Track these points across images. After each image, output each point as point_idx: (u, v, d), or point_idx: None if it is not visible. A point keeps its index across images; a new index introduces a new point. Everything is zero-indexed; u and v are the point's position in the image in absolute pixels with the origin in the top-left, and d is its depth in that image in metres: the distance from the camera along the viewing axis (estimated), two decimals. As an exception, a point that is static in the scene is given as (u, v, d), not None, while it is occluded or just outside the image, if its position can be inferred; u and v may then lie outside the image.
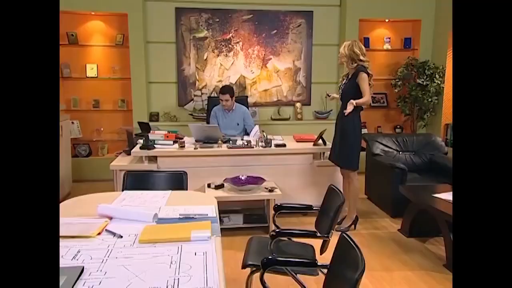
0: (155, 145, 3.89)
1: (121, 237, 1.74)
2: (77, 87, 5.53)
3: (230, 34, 5.72)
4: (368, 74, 3.57)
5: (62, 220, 1.91)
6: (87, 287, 1.32)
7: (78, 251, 1.59)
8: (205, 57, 5.71)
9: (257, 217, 3.94)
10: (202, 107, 5.72)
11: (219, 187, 3.76)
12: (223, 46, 5.73)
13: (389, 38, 6.12)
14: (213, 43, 5.70)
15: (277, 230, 2.10)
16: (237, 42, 5.76)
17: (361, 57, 3.61)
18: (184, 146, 3.89)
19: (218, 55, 5.74)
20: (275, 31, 5.81)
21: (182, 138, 4.18)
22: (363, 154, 4.98)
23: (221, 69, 5.78)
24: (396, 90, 5.90)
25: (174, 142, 4.05)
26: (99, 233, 1.77)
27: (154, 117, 5.63)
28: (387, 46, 6.12)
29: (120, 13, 5.35)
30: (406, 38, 6.10)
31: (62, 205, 2.21)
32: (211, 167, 3.96)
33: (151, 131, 4.27)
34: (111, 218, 1.95)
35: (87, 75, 5.51)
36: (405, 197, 3.81)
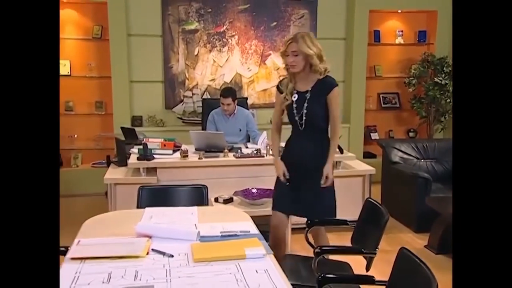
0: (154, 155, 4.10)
1: (172, 256, 1.97)
2: (46, 87, 5.65)
3: (224, 27, 5.98)
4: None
5: (97, 240, 2.12)
6: (167, 306, 1.56)
7: (137, 271, 1.82)
8: (196, 53, 5.95)
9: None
10: (193, 109, 5.95)
11: (228, 201, 4.00)
12: (216, 40, 5.98)
13: (402, 31, 6.52)
14: (205, 36, 5.94)
15: (322, 247, 2.38)
16: (232, 36, 6.02)
17: (325, 58, 2.97)
18: (187, 156, 4.12)
19: (210, 51, 5.98)
20: (274, 23, 6.10)
21: (180, 147, 4.40)
22: (378, 161, 5.35)
23: (214, 66, 6.03)
24: (410, 90, 6.28)
25: (174, 151, 4.26)
26: (147, 253, 1.99)
27: (136, 121, 5.82)
28: (399, 40, 6.51)
29: (97, 2, 5.53)
30: (420, 31, 6.51)
31: (83, 226, 2.41)
32: (217, 178, 4.19)
33: (144, 139, 4.46)
34: (150, 237, 2.17)
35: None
36: (431, 210, 4.15)
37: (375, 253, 2.40)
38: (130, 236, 2.19)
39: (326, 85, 2.94)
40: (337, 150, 4.51)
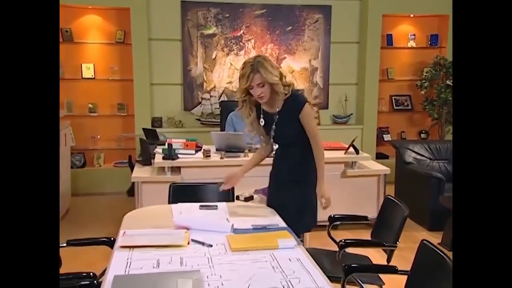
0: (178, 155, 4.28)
1: (211, 246, 2.15)
2: (70, 89, 5.87)
3: (241, 31, 6.17)
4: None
5: (141, 231, 2.31)
6: (213, 287, 1.73)
7: (181, 258, 2.00)
8: (213, 56, 6.14)
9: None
10: (211, 111, 6.14)
11: (248, 199, 4.18)
12: (233, 44, 6.17)
13: (414, 34, 6.67)
14: (223, 40, 6.13)
15: (346, 240, 2.54)
16: (249, 40, 6.20)
17: (285, 75, 2.80)
18: (210, 156, 4.30)
19: (228, 54, 6.17)
20: (290, 27, 6.28)
21: (201, 147, 4.58)
22: (391, 162, 5.50)
23: (231, 69, 6.22)
24: (422, 92, 6.43)
25: (196, 151, 4.45)
26: (188, 243, 2.18)
27: (156, 122, 6.02)
28: (411, 43, 6.67)
29: (120, 8, 5.74)
30: (432, 35, 6.66)
31: (124, 219, 2.60)
32: (238, 178, 4.36)
33: (167, 139, 4.65)
34: (188, 229, 2.35)
35: (83, 76, 5.87)
36: (443, 209, 4.29)
37: (396, 246, 2.56)
38: (169, 228, 2.37)
39: (294, 104, 2.72)
40: (353, 151, 4.69)
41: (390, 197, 2.85)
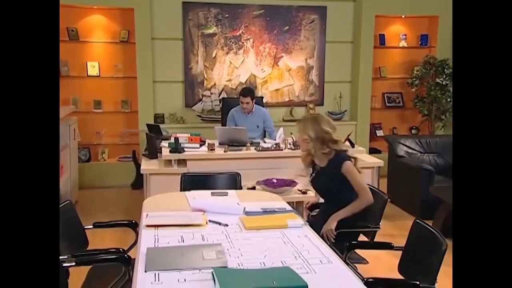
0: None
1: (227, 225, 2.39)
2: (76, 86, 6.07)
3: (240, 31, 6.40)
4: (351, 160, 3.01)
5: (164, 213, 2.55)
6: (234, 257, 1.98)
7: (202, 235, 2.24)
8: (213, 55, 6.37)
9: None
10: (211, 108, 6.37)
11: (250, 190, 4.42)
12: (232, 43, 6.40)
13: (405, 35, 6.95)
14: (222, 40, 6.36)
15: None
16: (248, 39, 6.44)
17: (334, 136, 3.02)
18: (214, 149, 4.54)
19: (227, 53, 6.41)
20: (287, 27, 6.53)
21: (204, 141, 4.82)
22: (383, 156, 5.77)
23: (231, 67, 6.45)
24: (413, 90, 6.71)
25: (200, 145, 4.68)
26: (206, 223, 2.42)
27: (159, 118, 6.23)
28: (403, 43, 6.94)
29: (124, 8, 5.95)
30: (422, 35, 6.94)
31: (144, 204, 2.84)
32: (240, 170, 4.59)
33: (172, 134, 4.87)
34: (204, 212, 2.59)
35: (88, 74, 6.07)
36: (433, 199, 4.56)
37: (379, 227, 2.85)
38: (186, 211, 2.61)
39: (336, 163, 2.95)
40: (348, 144, 4.94)
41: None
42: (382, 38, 6.87)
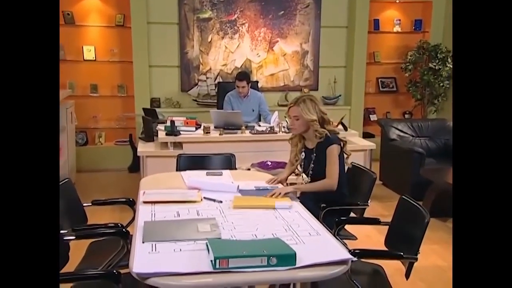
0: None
1: (221, 202, 2.50)
2: (72, 70, 6.13)
3: (236, 15, 6.45)
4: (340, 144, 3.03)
5: (161, 190, 2.65)
6: (228, 230, 2.08)
7: (197, 210, 2.34)
8: (209, 40, 6.42)
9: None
10: (207, 92, 6.44)
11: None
12: (228, 27, 6.46)
13: (399, 20, 7.01)
14: (218, 24, 6.41)
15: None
16: (243, 24, 6.49)
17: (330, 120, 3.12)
18: (209, 132, 4.63)
19: (223, 38, 6.46)
20: (282, 12, 6.57)
21: (200, 125, 4.90)
22: (376, 140, 5.88)
23: (226, 52, 6.51)
24: (406, 75, 6.80)
25: (196, 128, 4.77)
26: (201, 199, 2.52)
27: (155, 103, 6.31)
28: (397, 28, 7.01)
29: (120, -9, 5.99)
30: (416, 20, 7.01)
31: (141, 183, 2.94)
32: (235, 152, 4.68)
33: (168, 117, 4.95)
34: (199, 190, 2.69)
35: (84, 58, 6.12)
36: (424, 181, 4.68)
37: (368, 205, 2.96)
38: (183, 189, 2.71)
39: (325, 144, 2.98)
40: (342, 128, 5.03)
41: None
42: (376, 23, 6.93)
